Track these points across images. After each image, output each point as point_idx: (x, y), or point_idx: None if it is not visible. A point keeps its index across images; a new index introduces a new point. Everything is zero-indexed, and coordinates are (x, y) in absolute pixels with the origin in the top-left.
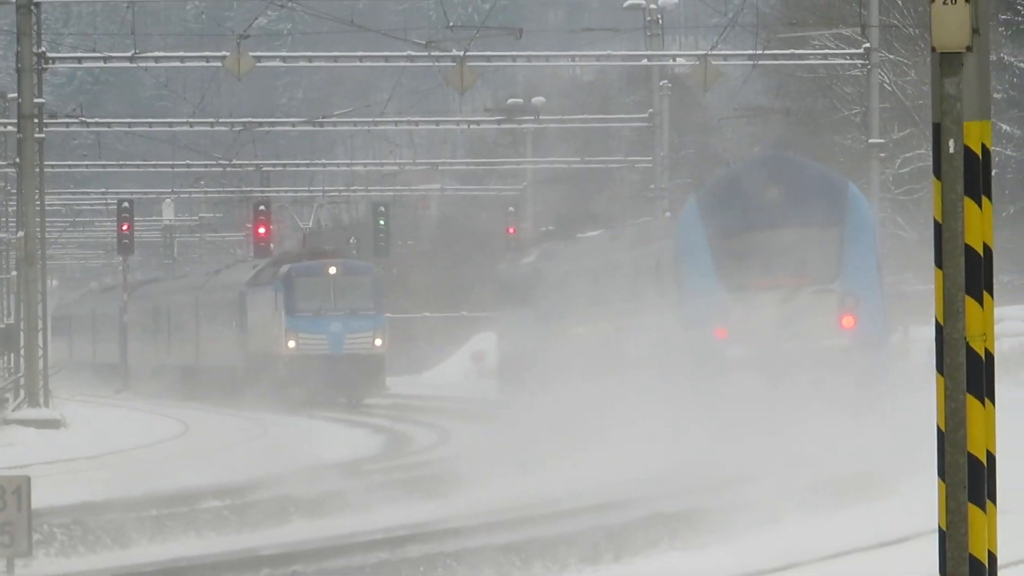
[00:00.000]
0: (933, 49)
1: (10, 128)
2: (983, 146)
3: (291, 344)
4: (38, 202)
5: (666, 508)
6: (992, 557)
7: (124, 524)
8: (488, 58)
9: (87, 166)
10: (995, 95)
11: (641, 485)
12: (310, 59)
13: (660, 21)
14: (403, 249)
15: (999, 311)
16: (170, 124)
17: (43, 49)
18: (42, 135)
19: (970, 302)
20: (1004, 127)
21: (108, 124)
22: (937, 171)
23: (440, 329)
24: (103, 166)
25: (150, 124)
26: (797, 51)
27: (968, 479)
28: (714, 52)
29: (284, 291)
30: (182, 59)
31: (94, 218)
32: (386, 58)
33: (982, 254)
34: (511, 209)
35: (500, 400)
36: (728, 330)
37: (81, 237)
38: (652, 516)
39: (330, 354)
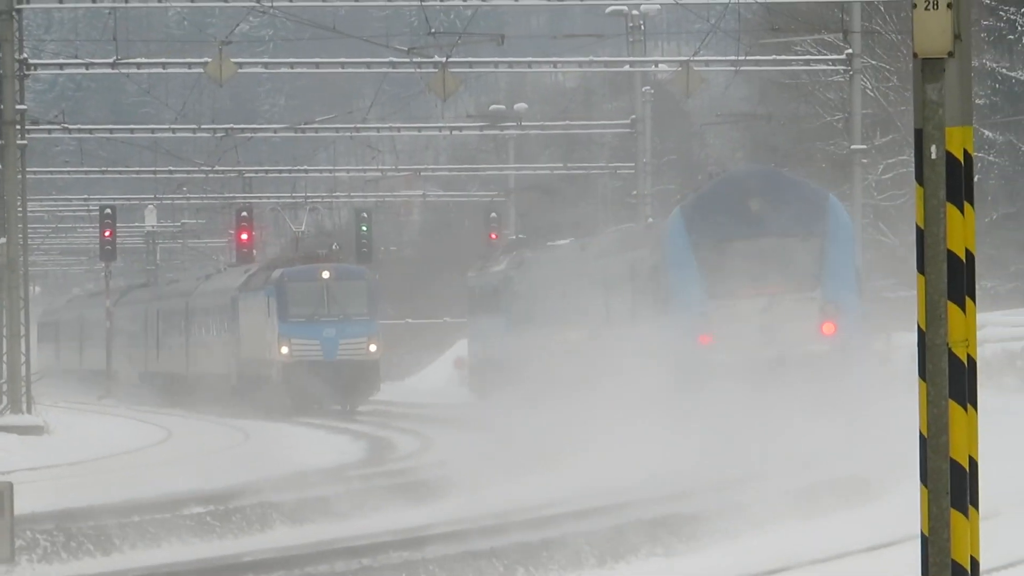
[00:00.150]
0: (915, 55)
1: None
2: (965, 152)
3: (284, 350)
4: (20, 209)
5: (646, 514)
6: (975, 563)
7: (107, 530)
8: (470, 64)
9: (69, 172)
10: (977, 101)
11: (623, 492)
12: (292, 65)
13: (642, 27)
14: (385, 255)
15: (981, 317)
16: (152, 130)
17: (25, 55)
18: (24, 142)
19: (952, 308)
20: (986, 133)
21: (90, 130)
22: (919, 177)
23: (422, 335)
24: (85, 172)
25: (132, 130)
26: (779, 57)
27: (951, 485)
28: (696, 58)
29: (277, 296)
30: (164, 65)
31: (76, 224)
32: (368, 64)
33: (964, 260)
34: (493, 215)
35: (472, 406)
36: (712, 336)
37: (63, 243)
38: (633, 522)
39: (324, 360)
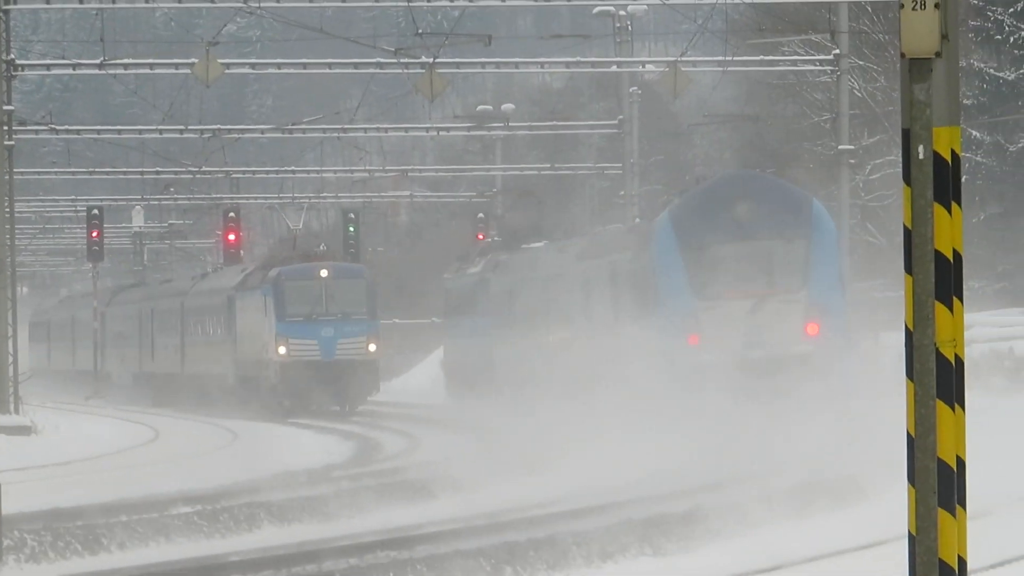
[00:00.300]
0: (903, 55)
1: None
2: (953, 152)
3: (282, 350)
4: (7, 209)
5: (635, 514)
6: (962, 562)
7: (94, 530)
8: (457, 65)
9: (57, 173)
10: (964, 101)
11: (612, 492)
12: (279, 66)
13: (630, 28)
14: (373, 256)
15: (969, 317)
16: (139, 131)
17: (12, 56)
18: (11, 142)
19: (940, 308)
20: (974, 133)
21: (78, 131)
22: (907, 177)
23: (409, 335)
24: (72, 173)
25: (119, 131)
26: (767, 57)
27: (938, 484)
28: (684, 59)
29: (274, 295)
30: (151, 66)
31: (64, 225)
32: (355, 65)
33: (952, 260)
34: (480, 216)
35: (458, 407)
36: (701, 337)
37: (51, 244)
38: (623, 522)
39: (322, 360)
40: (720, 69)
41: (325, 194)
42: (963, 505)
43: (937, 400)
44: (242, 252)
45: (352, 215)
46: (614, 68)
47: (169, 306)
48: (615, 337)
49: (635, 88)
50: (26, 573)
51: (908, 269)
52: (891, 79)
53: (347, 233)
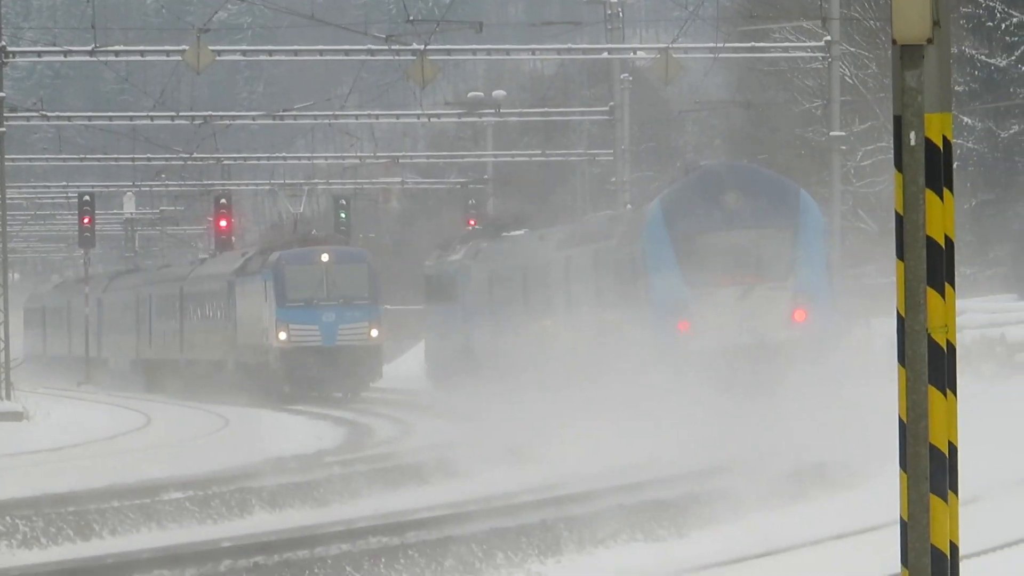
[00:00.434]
0: (894, 41)
1: None
2: (944, 138)
3: (282, 336)
4: None
5: (626, 500)
6: (954, 548)
7: (86, 516)
8: (449, 52)
9: (48, 160)
10: (956, 88)
11: (603, 478)
12: (270, 53)
13: (621, 15)
14: (364, 242)
15: (960, 303)
16: (131, 118)
17: (3, 43)
18: (2, 129)
19: (932, 294)
20: (965, 120)
21: (69, 118)
22: (898, 163)
23: (400, 322)
24: (64, 160)
25: (111, 118)
26: (758, 44)
27: (930, 470)
28: (675, 45)
29: (274, 280)
30: (142, 53)
31: (55, 211)
32: (346, 52)
33: (943, 246)
34: (472, 202)
35: (448, 394)
36: (690, 323)
37: (42, 230)
38: (614, 508)
39: (323, 346)
40: (711, 56)
41: (316, 180)
42: (955, 491)
43: (929, 386)
44: (233, 238)
45: (343, 201)
46: (605, 55)
47: (168, 291)
48: (604, 324)
49: (626, 75)
50: (18, 559)
51: (900, 255)
52: (883, 66)
53: (338, 219)
